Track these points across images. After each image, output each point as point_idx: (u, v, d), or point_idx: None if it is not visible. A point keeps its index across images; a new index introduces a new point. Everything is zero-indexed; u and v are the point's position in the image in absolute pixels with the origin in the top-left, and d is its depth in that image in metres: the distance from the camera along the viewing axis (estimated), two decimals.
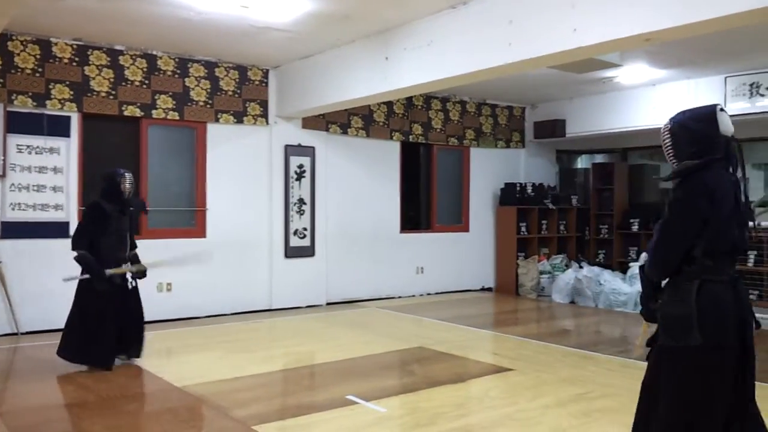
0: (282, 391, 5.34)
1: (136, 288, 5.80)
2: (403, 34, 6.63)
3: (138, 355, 5.84)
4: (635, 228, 10.59)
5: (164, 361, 6.15)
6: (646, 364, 5.61)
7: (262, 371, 5.68)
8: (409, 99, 9.98)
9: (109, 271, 5.48)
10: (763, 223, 8.43)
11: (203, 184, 8.27)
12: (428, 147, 10.58)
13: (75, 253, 5.49)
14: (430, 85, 6.82)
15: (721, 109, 2.75)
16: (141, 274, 5.85)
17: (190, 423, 4.55)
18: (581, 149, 12.24)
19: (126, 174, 5.65)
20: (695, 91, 8.89)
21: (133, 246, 5.90)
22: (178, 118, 7.98)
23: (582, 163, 12.76)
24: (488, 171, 11.13)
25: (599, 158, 12.24)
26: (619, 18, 4.85)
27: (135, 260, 5.87)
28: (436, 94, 10.33)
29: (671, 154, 2.83)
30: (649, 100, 9.48)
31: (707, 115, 2.75)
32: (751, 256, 8.84)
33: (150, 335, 7.12)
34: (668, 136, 2.82)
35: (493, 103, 11.11)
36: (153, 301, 7.81)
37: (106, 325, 5.46)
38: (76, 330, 5.50)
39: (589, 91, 10.01)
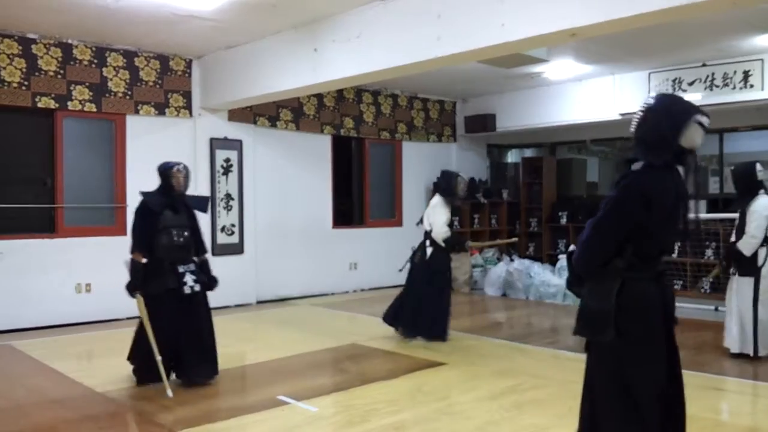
0: (210, 394, 5.13)
1: (195, 295, 5.02)
2: (331, 26, 6.51)
3: (206, 378, 5.09)
4: (563, 221, 10.84)
5: (84, 365, 5.88)
6: (573, 354, 5.70)
7: None
8: (340, 92, 9.86)
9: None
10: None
11: (123, 179, 7.91)
12: (360, 141, 10.49)
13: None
14: (360, 77, 6.74)
15: (699, 123, 2.60)
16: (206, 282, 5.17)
17: (112, 430, 4.30)
18: (511, 143, 12.43)
19: (177, 167, 5.06)
20: (620, 86, 9.15)
21: (201, 250, 5.25)
22: (95, 109, 7.59)
23: (512, 157, 12.96)
24: (420, 165, 11.14)
25: (528, 152, 12.46)
26: (546, 13, 4.90)
27: (204, 267, 5.22)
28: (367, 88, 10.24)
29: (633, 128, 2.71)
30: (576, 96, 9.70)
31: (677, 119, 2.61)
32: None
33: (69, 338, 6.83)
34: (643, 111, 2.68)
35: (425, 97, 11.12)
36: (72, 303, 7.50)
37: (148, 335, 4.85)
38: (136, 341, 5.06)
39: (519, 86, 10.15)
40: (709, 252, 9.03)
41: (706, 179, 10.21)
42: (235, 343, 6.82)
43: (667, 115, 2.63)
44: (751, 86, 7.95)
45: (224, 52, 7.93)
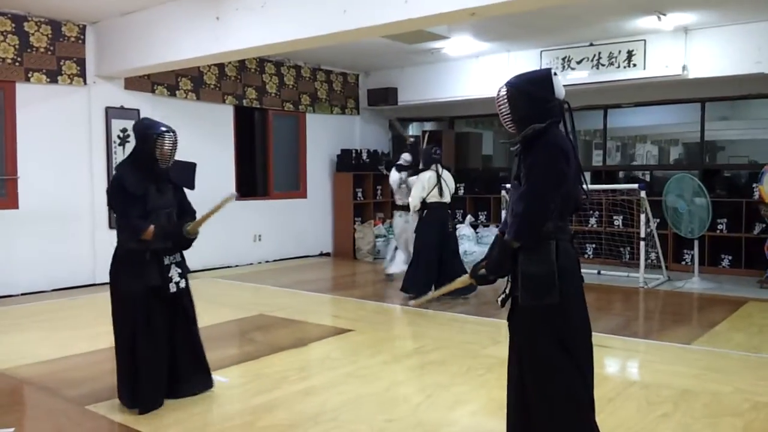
0: (115, 369, 5.07)
1: (181, 292, 4.11)
2: None
3: (203, 390, 4.24)
4: (461, 192, 11.25)
5: None
6: (472, 317, 6.00)
7: (91, 349, 5.34)
8: (242, 62, 9.72)
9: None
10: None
11: (13, 150, 7.49)
12: (263, 112, 10.40)
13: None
14: (263, 48, 6.71)
15: (555, 74, 2.77)
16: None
17: (13, 407, 4.19)
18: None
19: (167, 133, 3.81)
20: (514, 63, 9.55)
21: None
22: None
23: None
24: (324, 137, 11.20)
25: (429, 126, 12.77)
26: None
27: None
28: (270, 58, 10.14)
29: (508, 119, 2.78)
30: (473, 72, 10.04)
31: (542, 79, 2.76)
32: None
33: None
34: (505, 101, 2.77)
35: (328, 69, 11.15)
36: None
37: (138, 351, 3.89)
38: (119, 362, 4.01)
39: (420, 62, 10.38)
40: (592, 221, 9.75)
41: (590, 152, 10.90)
42: None
43: (531, 82, 2.76)
44: (634, 65, 8.52)
45: (120, 19, 7.61)
